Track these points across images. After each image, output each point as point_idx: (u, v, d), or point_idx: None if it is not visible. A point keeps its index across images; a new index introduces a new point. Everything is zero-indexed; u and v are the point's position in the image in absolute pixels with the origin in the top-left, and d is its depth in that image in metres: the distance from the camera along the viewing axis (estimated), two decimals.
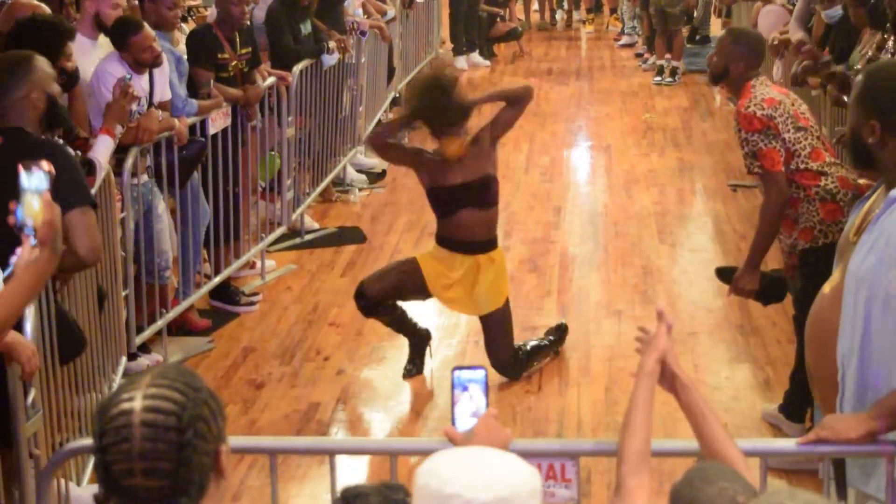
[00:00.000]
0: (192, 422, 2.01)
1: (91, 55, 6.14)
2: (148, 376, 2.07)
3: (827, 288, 3.44)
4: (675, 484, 2.30)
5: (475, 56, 14.47)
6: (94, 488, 2.07)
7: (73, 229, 4.28)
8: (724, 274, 5.56)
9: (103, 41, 6.36)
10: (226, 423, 2.11)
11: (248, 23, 7.34)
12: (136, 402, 2.01)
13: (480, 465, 1.99)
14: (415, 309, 7.15)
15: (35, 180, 3.31)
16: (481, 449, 2.06)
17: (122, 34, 6.08)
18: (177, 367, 2.14)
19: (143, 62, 6.09)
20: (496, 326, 6.10)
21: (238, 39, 7.20)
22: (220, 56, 7.06)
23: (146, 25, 6.18)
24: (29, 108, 4.53)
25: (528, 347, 6.22)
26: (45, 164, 3.34)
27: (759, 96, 5.13)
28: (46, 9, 6.08)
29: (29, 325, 4.17)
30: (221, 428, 2.08)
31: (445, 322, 6.91)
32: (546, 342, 6.34)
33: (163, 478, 1.99)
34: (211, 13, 8.37)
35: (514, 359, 6.11)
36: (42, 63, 4.65)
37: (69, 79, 5.54)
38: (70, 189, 4.27)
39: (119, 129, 5.60)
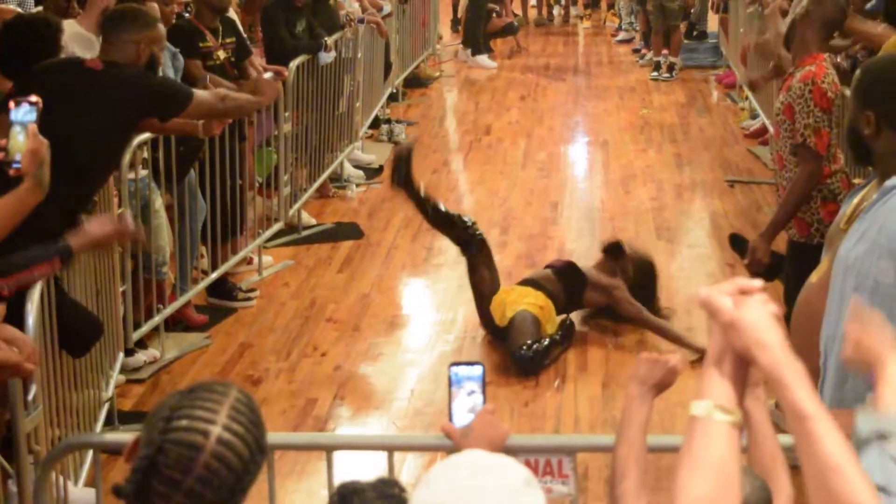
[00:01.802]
0: (246, 485, 2.01)
1: (93, 49, 6.11)
2: (224, 412, 2.00)
3: (814, 277, 3.46)
4: None
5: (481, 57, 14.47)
6: (91, 492, 2.07)
7: (203, 112, 5.50)
8: (737, 244, 5.55)
9: None
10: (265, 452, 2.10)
11: (228, 6, 7.34)
12: (212, 439, 1.96)
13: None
14: (413, 307, 7.16)
15: (21, 113, 3.35)
16: (474, 475, 1.99)
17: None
18: (249, 406, 2.06)
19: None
20: (517, 326, 6.30)
21: (221, 30, 7.19)
22: (201, 44, 7.04)
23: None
24: (132, 53, 5.06)
25: (545, 344, 6.25)
26: (33, 97, 3.39)
27: (830, 75, 5.03)
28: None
29: (31, 321, 4.18)
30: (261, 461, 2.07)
31: (443, 318, 6.92)
32: (557, 339, 6.37)
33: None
34: None
35: (532, 355, 6.17)
36: (161, 29, 5.30)
37: None
38: (171, 95, 5.23)
39: None
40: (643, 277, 6.74)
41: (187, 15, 7.84)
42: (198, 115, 5.70)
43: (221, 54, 7.15)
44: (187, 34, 7.02)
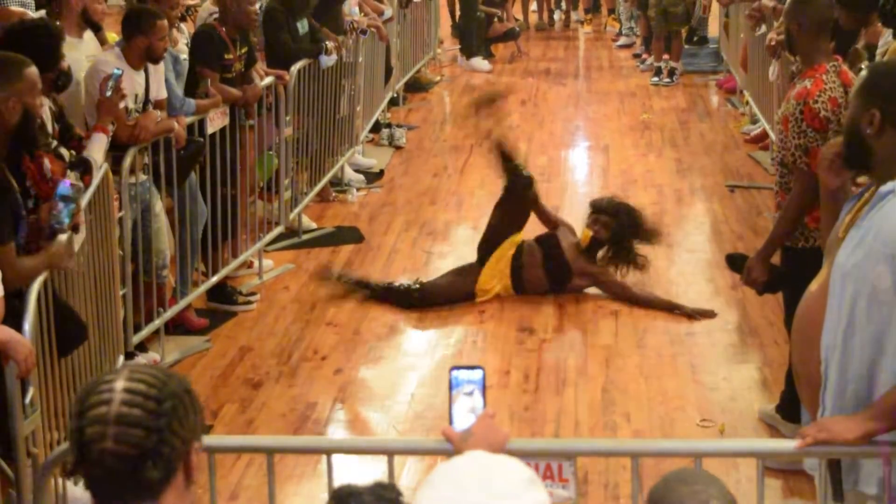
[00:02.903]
0: (172, 397, 2.06)
1: (77, 52, 6.11)
2: (123, 374, 2.11)
3: (814, 286, 3.46)
4: (653, 486, 2.27)
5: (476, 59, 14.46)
6: None
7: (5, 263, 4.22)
8: (734, 262, 5.52)
9: (88, 38, 6.36)
10: (201, 425, 2.14)
11: (253, 25, 7.38)
12: (121, 379, 2.07)
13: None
14: (413, 311, 7.15)
15: None
16: (477, 474, 1.98)
17: (146, 18, 6.11)
18: (147, 368, 2.19)
19: (157, 51, 6.10)
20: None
21: (237, 39, 7.20)
22: (226, 57, 7.06)
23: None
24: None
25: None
26: None
27: (828, 92, 4.91)
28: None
29: (27, 323, 4.18)
30: (196, 426, 2.10)
31: (443, 322, 6.91)
32: None
33: (133, 446, 2.02)
34: (202, 13, 8.37)
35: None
36: (32, 74, 4.51)
37: (65, 79, 5.53)
38: None
39: (111, 126, 5.59)
40: (621, 230, 7.30)
41: (189, 18, 7.86)
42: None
43: (238, 66, 7.17)
44: (215, 46, 7.02)
